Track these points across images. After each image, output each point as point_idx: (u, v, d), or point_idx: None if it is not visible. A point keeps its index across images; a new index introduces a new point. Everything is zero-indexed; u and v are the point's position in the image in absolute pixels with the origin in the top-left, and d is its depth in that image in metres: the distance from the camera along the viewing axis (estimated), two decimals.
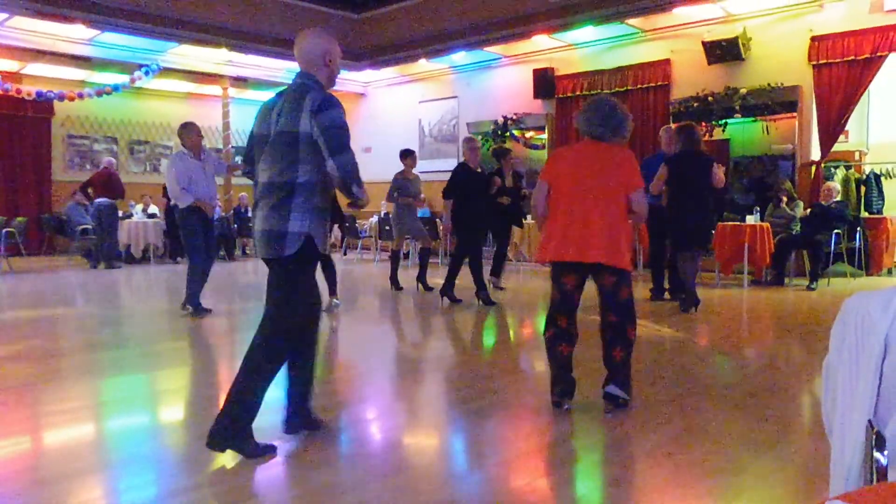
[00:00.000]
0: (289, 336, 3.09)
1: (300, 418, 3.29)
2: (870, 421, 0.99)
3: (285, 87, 3.12)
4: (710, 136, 10.62)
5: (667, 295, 7.71)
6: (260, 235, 2.99)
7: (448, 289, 7.60)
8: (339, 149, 2.89)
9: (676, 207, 6.93)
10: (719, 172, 6.97)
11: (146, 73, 12.87)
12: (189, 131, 7.02)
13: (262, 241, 2.99)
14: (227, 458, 3.03)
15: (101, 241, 11.70)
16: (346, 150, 2.91)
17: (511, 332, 6.64)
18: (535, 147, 12.93)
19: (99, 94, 13.15)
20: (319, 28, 3.25)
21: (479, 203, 7.63)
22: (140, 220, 12.84)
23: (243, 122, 16.49)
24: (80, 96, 13.06)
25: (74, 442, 3.37)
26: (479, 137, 12.75)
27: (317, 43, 3.06)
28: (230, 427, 2.94)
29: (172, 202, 6.91)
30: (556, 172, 3.70)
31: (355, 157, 2.97)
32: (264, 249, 3.01)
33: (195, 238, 6.66)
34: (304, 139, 2.89)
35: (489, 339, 6.24)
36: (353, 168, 2.94)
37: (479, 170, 7.79)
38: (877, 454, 0.95)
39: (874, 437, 0.96)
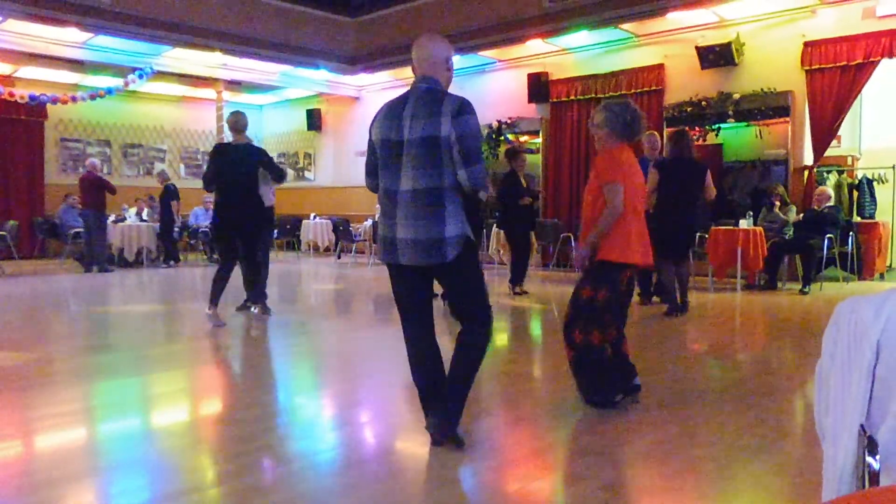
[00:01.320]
0: (489, 306, 3.13)
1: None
2: (862, 425, 0.99)
3: (405, 92, 3.06)
4: (704, 140, 10.66)
5: (655, 298, 7.72)
6: (413, 244, 2.92)
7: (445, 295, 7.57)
8: (474, 160, 2.88)
9: (666, 214, 6.82)
10: (710, 181, 7.00)
11: (140, 77, 12.84)
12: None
13: (418, 250, 2.92)
14: (219, 463, 3.02)
15: (91, 247, 11.66)
16: (479, 161, 2.91)
17: (505, 337, 6.63)
18: (530, 151, 12.93)
19: (92, 97, 13.10)
20: (438, 34, 3.25)
21: (472, 209, 7.62)
22: (133, 224, 12.79)
23: None
24: (74, 99, 13.01)
25: (66, 446, 3.35)
26: None
27: (442, 47, 3.08)
28: (452, 417, 3.04)
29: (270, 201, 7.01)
30: (624, 174, 3.73)
31: (485, 166, 2.99)
32: (422, 257, 2.93)
33: None
34: (446, 143, 2.86)
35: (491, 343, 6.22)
36: (484, 178, 2.97)
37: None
38: (869, 459, 0.95)
39: (866, 441, 0.96)
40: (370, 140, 3.08)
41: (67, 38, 11.56)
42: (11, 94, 12.32)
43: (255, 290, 7.05)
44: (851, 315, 1.09)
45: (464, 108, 2.88)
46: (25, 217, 13.53)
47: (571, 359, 3.74)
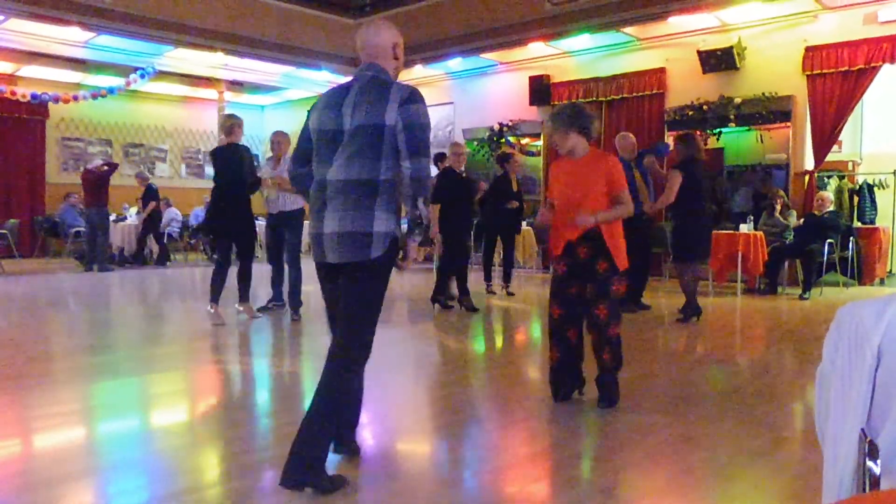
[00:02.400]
0: (370, 346, 2.79)
1: (346, 442, 3.03)
2: (862, 430, 0.99)
3: (348, 80, 2.84)
4: (705, 145, 10.65)
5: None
6: (336, 238, 2.65)
7: (438, 295, 7.61)
8: (419, 151, 2.65)
9: (695, 215, 6.78)
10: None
11: (142, 76, 12.86)
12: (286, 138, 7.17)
13: (338, 244, 2.65)
14: (218, 464, 3.02)
15: (92, 246, 11.67)
16: (425, 155, 2.68)
17: (502, 339, 6.63)
18: (531, 154, 12.96)
19: (94, 96, 13.13)
20: (385, 20, 3.01)
21: (464, 209, 7.65)
22: (133, 223, 12.79)
23: None
24: (76, 98, 13.04)
25: (65, 446, 3.34)
26: (475, 144, 12.78)
27: (386, 34, 2.82)
28: (307, 461, 2.59)
29: (279, 209, 6.90)
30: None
31: (429, 164, 2.74)
32: (342, 253, 2.66)
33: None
34: (390, 133, 2.63)
35: (481, 346, 6.23)
36: (427, 177, 2.70)
37: (463, 175, 7.78)
38: (869, 463, 0.95)
39: (867, 446, 0.96)
40: (305, 127, 2.85)
41: (70, 38, 11.57)
42: (13, 93, 12.35)
43: (273, 293, 7.29)
44: (852, 319, 1.08)
45: (413, 97, 2.66)
46: (26, 216, 13.55)
47: (609, 360, 3.77)
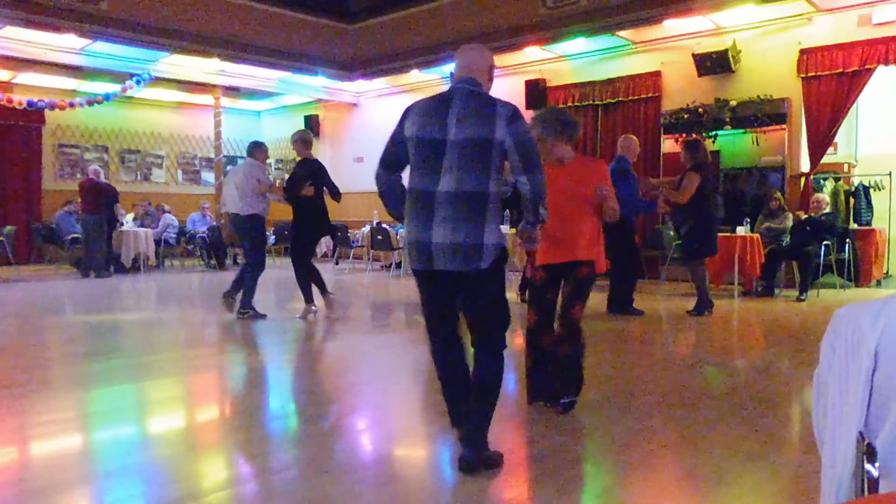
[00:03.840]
0: (506, 331, 2.98)
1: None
2: (860, 432, 0.99)
3: (444, 91, 2.92)
4: None
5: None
6: (448, 248, 2.76)
7: None
8: (536, 166, 2.78)
9: (712, 215, 7.25)
10: None
11: (137, 83, 12.85)
12: (263, 150, 7.40)
13: (452, 254, 2.76)
14: (217, 470, 3.01)
15: (89, 253, 11.65)
16: (540, 169, 2.81)
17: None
18: None
19: (90, 103, 13.11)
20: (482, 45, 3.17)
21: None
22: (130, 230, 12.76)
23: (235, 132, 16.52)
24: (72, 105, 13.01)
25: (61, 453, 3.33)
26: None
27: (486, 57, 2.99)
28: (483, 441, 2.91)
29: (247, 212, 7.06)
30: None
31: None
32: (454, 262, 2.78)
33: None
34: (498, 147, 2.74)
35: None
36: (545, 187, 2.84)
37: None
38: (867, 466, 0.95)
39: (865, 448, 0.97)
40: (399, 133, 2.91)
41: (65, 45, 11.57)
42: (10, 101, 12.33)
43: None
44: (849, 322, 1.09)
45: (519, 114, 2.79)
46: (23, 222, 13.51)
47: (567, 352, 3.74)
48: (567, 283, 3.78)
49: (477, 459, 2.87)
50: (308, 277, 7.14)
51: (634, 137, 7.78)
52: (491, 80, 2.98)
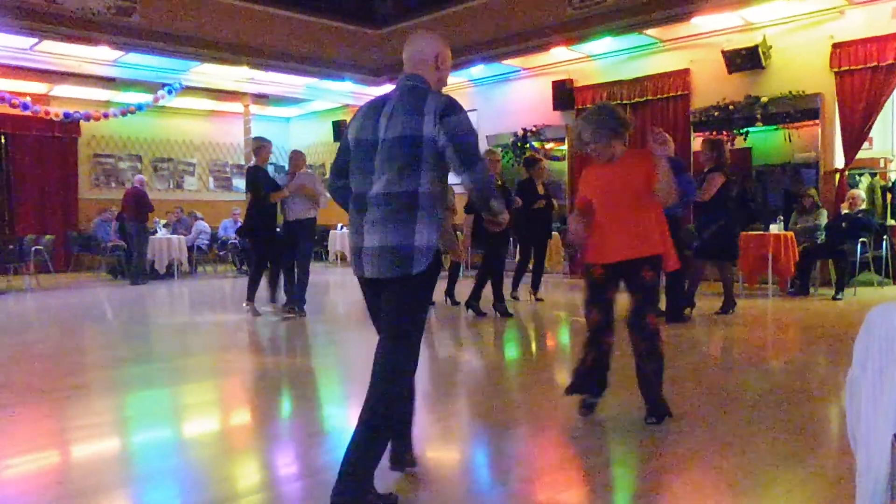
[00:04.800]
0: (416, 356, 2.73)
1: (400, 456, 2.95)
2: (894, 435, 0.97)
3: (389, 91, 2.80)
4: (732, 144, 10.53)
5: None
6: (377, 251, 2.59)
7: (473, 301, 7.61)
8: (473, 161, 2.56)
9: (728, 217, 7.16)
10: None
11: (169, 92, 13.08)
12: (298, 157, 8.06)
13: (379, 258, 2.59)
14: (252, 474, 3.04)
15: (131, 259, 11.96)
16: (479, 161, 2.59)
17: (534, 345, 6.61)
18: (556, 158, 12.93)
19: (123, 113, 13.39)
20: (431, 31, 2.98)
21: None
22: (164, 237, 12.99)
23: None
24: (106, 116, 13.30)
25: (100, 456, 3.40)
26: (499, 150, 12.81)
27: (427, 44, 2.79)
28: (357, 479, 2.50)
29: (295, 216, 7.61)
30: None
31: (486, 166, 2.67)
32: (383, 267, 2.59)
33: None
34: (429, 144, 2.55)
35: (513, 352, 6.22)
36: (490, 181, 2.63)
37: (499, 182, 7.77)
38: None
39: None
40: (344, 139, 2.80)
41: (99, 57, 11.84)
42: (47, 113, 12.63)
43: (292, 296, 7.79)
44: (883, 322, 1.07)
45: (452, 107, 2.59)
46: (60, 231, 13.82)
47: (649, 369, 3.60)
48: (630, 286, 3.62)
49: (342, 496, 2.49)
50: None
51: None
52: (439, 68, 2.77)
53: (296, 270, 7.65)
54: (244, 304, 7.84)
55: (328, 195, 7.22)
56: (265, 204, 7.63)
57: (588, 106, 11.96)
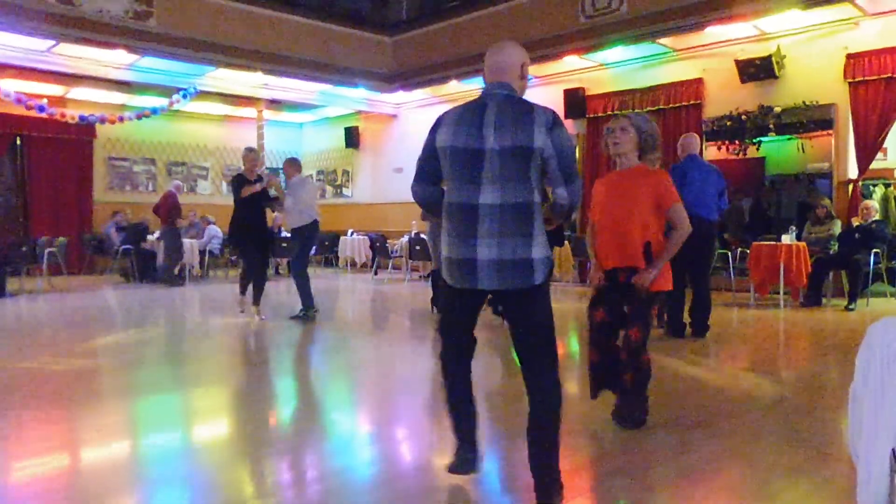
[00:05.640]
0: (557, 356, 2.80)
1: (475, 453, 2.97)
2: (893, 449, 0.98)
3: (476, 98, 2.74)
4: (745, 154, 10.52)
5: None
6: (495, 264, 2.56)
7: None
8: (574, 175, 2.62)
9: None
10: None
11: (184, 97, 13.18)
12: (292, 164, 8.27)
13: (501, 271, 2.57)
14: (261, 479, 3.06)
15: (167, 263, 12.22)
16: (577, 177, 2.66)
17: None
18: None
19: (139, 117, 13.50)
20: (512, 40, 2.95)
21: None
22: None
23: (277, 144, 16.81)
24: (121, 119, 13.41)
25: (110, 460, 3.43)
26: None
27: (514, 53, 2.76)
28: (554, 478, 2.71)
29: (293, 225, 7.83)
30: None
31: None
32: (504, 280, 2.58)
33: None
34: (538, 156, 2.56)
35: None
36: (580, 196, 2.69)
37: None
38: None
39: (894, 465, 0.96)
40: (431, 145, 2.73)
41: (115, 61, 11.95)
42: (63, 115, 12.74)
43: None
44: (884, 336, 1.08)
45: (558, 121, 2.61)
46: (74, 233, 13.93)
47: (633, 380, 3.63)
48: (628, 302, 3.65)
49: (554, 487, 2.71)
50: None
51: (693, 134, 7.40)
52: (523, 77, 2.77)
53: (295, 277, 7.86)
54: (253, 308, 7.89)
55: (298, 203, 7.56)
56: (239, 209, 7.78)
57: (600, 114, 12.00)
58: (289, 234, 8.01)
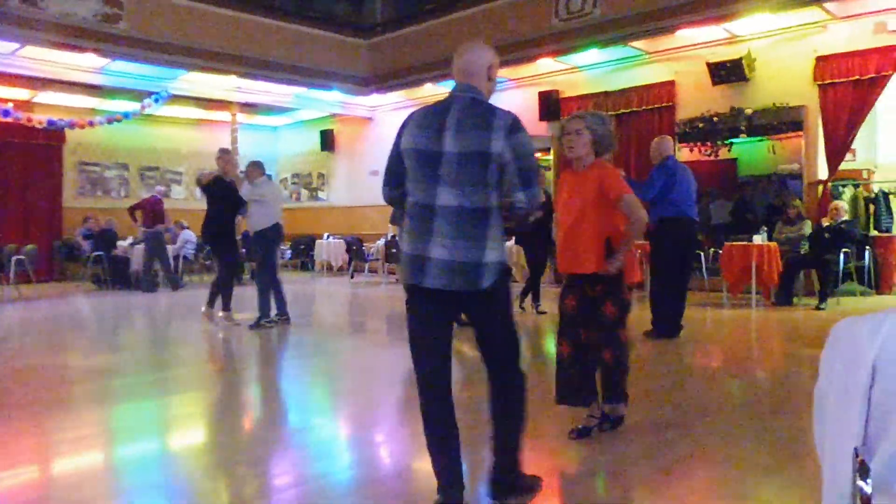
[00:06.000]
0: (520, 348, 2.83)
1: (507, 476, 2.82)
2: (855, 448, 0.98)
3: (442, 99, 2.73)
4: (717, 156, 10.64)
5: None
6: (446, 265, 2.57)
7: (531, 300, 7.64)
8: (533, 180, 2.61)
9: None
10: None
11: (156, 101, 13.03)
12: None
13: (449, 273, 2.57)
14: (240, 485, 3.02)
15: (147, 267, 12.03)
16: (538, 183, 2.67)
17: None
18: (542, 168, 12.98)
19: (110, 121, 13.31)
20: (481, 42, 2.93)
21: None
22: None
23: (252, 148, 16.67)
24: (91, 124, 13.20)
25: (84, 470, 3.36)
26: None
27: (483, 55, 2.76)
28: (515, 469, 2.76)
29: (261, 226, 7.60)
30: None
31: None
32: (454, 281, 2.58)
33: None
34: (496, 161, 2.55)
35: None
36: (539, 199, 2.69)
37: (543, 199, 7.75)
38: (860, 483, 0.94)
39: (858, 465, 0.96)
40: (396, 148, 2.74)
41: (84, 64, 11.76)
42: (30, 120, 12.53)
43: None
44: (847, 336, 1.08)
45: (518, 125, 2.60)
46: (44, 240, 13.69)
47: (614, 356, 3.54)
48: (594, 326, 3.54)
49: (514, 485, 2.76)
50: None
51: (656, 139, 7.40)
52: (491, 79, 2.78)
53: (258, 283, 7.71)
54: (219, 314, 7.75)
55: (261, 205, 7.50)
56: (220, 211, 7.74)
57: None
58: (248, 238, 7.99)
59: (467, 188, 2.56)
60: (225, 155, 8.02)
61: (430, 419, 2.72)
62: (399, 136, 2.73)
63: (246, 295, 8.68)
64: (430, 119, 2.65)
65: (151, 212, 12.02)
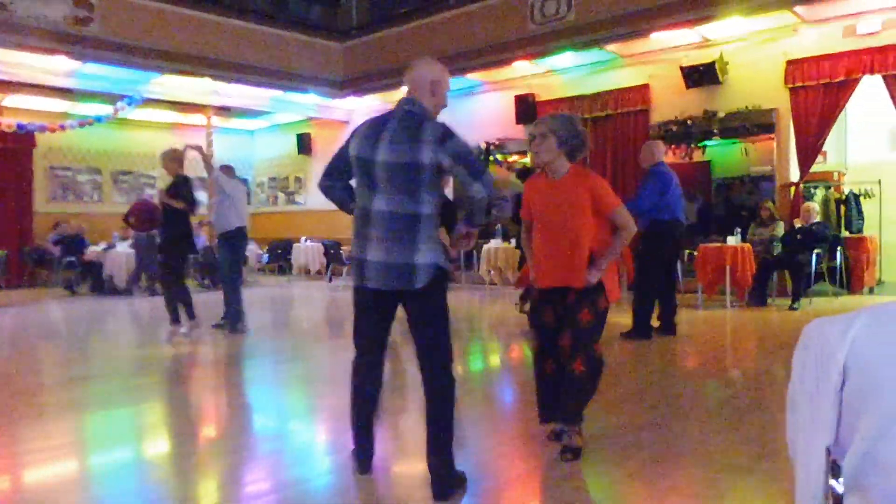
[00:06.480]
0: (452, 351, 2.94)
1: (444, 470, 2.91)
2: (827, 448, 1.00)
3: (389, 110, 2.94)
4: (691, 158, 10.75)
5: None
6: (382, 267, 2.79)
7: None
8: (481, 170, 2.80)
9: None
10: None
11: (129, 104, 12.87)
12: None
13: (385, 273, 2.79)
14: (215, 493, 2.98)
15: (139, 272, 11.84)
16: (485, 170, 2.84)
17: (497, 358, 6.62)
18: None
19: (82, 125, 13.11)
20: (432, 58, 3.12)
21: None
22: (124, 251, 12.72)
23: (228, 152, 16.54)
24: (62, 128, 13.00)
25: (57, 480, 3.31)
26: None
27: (425, 71, 2.95)
28: (447, 469, 2.85)
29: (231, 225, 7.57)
30: None
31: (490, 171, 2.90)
32: (389, 281, 2.80)
33: None
34: (429, 170, 2.76)
35: (476, 366, 6.21)
36: (492, 182, 2.85)
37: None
38: (831, 482, 0.96)
39: (829, 464, 0.97)
40: (345, 148, 2.96)
41: (55, 67, 11.56)
42: None
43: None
44: (818, 338, 1.09)
45: (448, 133, 2.77)
46: (14, 246, 13.44)
47: (581, 374, 3.30)
48: (565, 318, 3.39)
49: (446, 483, 2.82)
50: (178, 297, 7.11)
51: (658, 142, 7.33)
52: (435, 94, 2.93)
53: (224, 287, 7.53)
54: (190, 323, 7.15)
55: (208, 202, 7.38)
56: (181, 217, 7.65)
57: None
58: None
59: (397, 196, 2.77)
60: (174, 153, 7.92)
61: (356, 397, 3.03)
62: (347, 141, 2.96)
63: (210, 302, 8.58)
64: (371, 129, 2.88)
65: (140, 218, 11.76)
